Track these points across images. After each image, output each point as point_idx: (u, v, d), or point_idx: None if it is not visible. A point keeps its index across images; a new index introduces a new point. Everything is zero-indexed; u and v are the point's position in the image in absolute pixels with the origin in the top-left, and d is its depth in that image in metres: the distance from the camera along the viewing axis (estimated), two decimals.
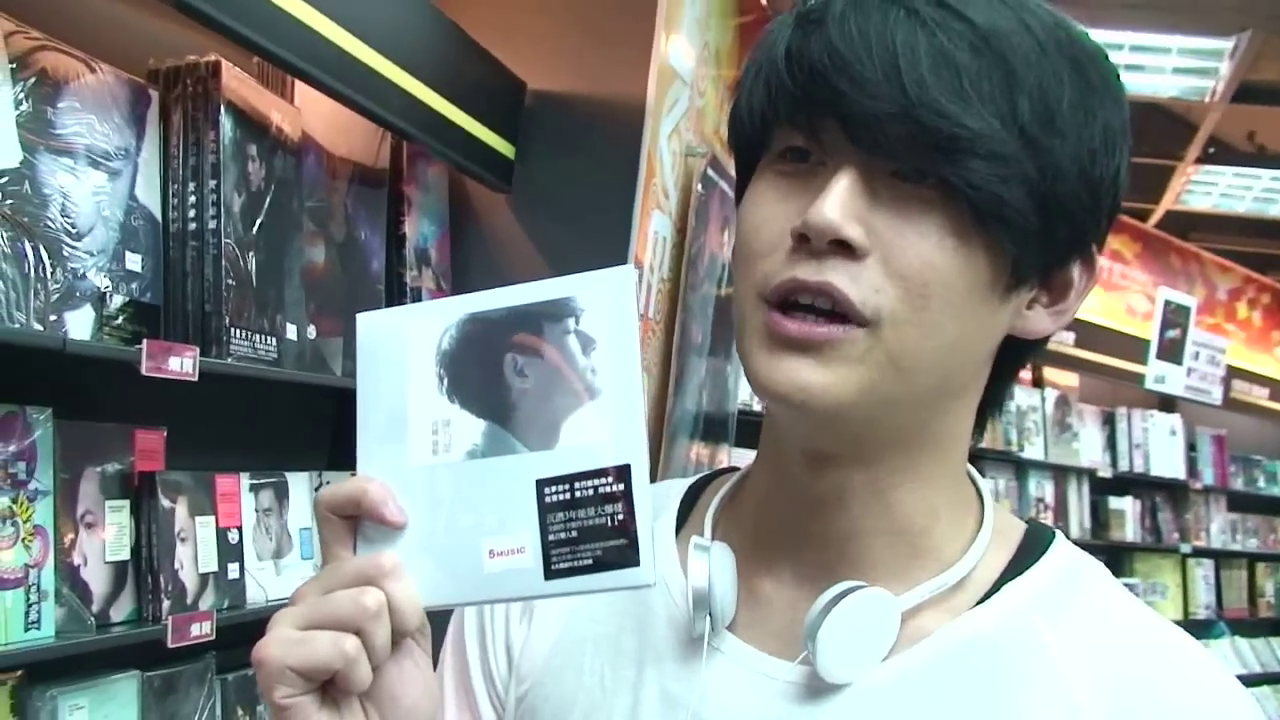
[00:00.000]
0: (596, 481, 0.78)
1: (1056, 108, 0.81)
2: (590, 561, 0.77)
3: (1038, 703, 0.83)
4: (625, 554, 0.77)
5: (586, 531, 0.77)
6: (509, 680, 0.97)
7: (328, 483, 2.42)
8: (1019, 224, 0.81)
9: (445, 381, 0.82)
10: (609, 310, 0.79)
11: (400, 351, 0.83)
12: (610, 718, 0.91)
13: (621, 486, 0.78)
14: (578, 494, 0.78)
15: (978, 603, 0.88)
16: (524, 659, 0.97)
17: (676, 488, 1.03)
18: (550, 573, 0.78)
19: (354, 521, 0.81)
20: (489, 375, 0.81)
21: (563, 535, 0.78)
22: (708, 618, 0.89)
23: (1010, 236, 0.81)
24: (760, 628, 0.91)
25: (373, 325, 0.85)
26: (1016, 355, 0.92)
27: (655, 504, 1.00)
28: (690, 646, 0.91)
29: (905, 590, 0.87)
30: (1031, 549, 0.91)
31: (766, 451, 0.95)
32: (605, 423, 0.78)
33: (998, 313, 0.85)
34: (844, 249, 0.80)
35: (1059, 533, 0.94)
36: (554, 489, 0.78)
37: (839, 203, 0.79)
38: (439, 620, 0.85)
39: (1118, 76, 0.86)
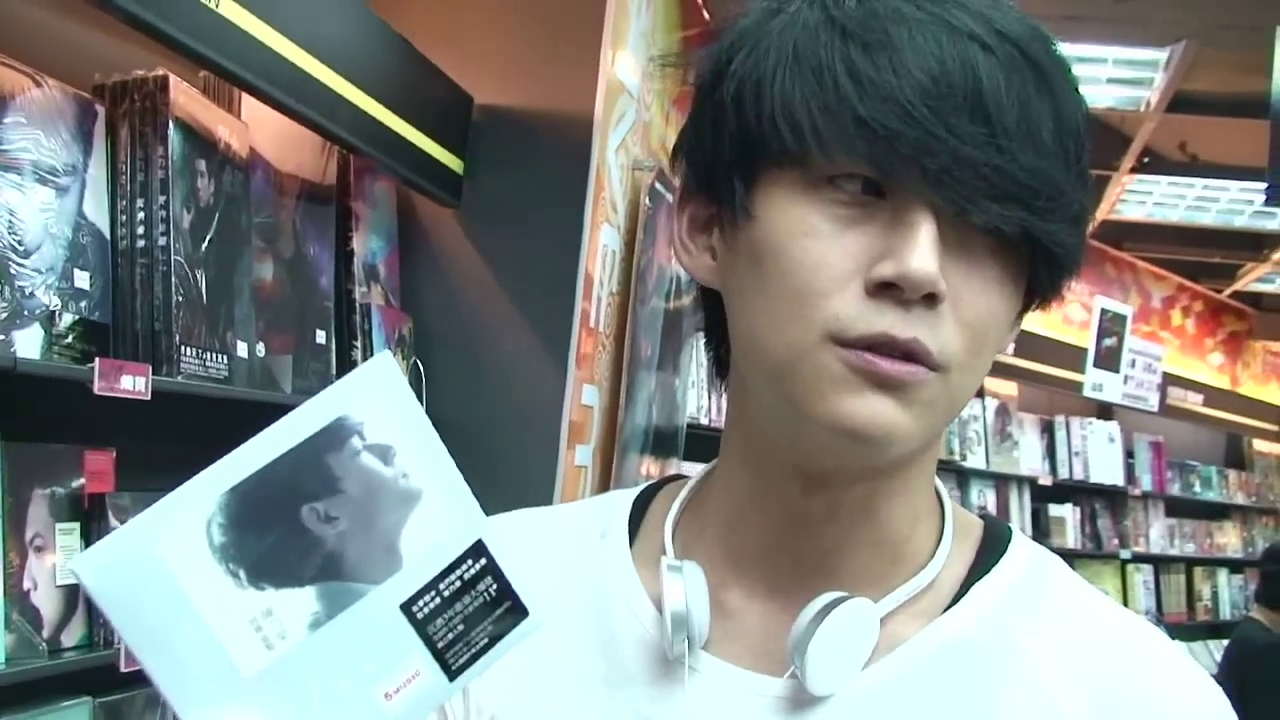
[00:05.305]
0: (459, 573, 0.74)
1: (1087, 146, 0.80)
2: (486, 640, 0.75)
3: (1020, 705, 0.83)
4: (514, 615, 0.75)
5: (470, 619, 0.74)
6: (467, 714, 0.93)
7: None
8: (1073, 271, 0.82)
9: (243, 575, 0.71)
10: (387, 407, 0.73)
11: (159, 574, 0.70)
12: None
13: (483, 561, 0.75)
14: (446, 594, 0.74)
15: (950, 605, 0.88)
16: (484, 691, 0.92)
17: (622, 500, 1.00)
18: (453, 673, 0.74)
19: None
20: (292, 540, 0.71)
21: (450, 636, 0.74)
22: (686, 639, 0.87)
23: (1066, 283, 0.83)
24: (733, 643, 0.89)
25: (104, 565, 0.69)
26: None
27: (601, 518, 0.99)
28: (664, 667, 0.88)
29: (880, 596, 0.86)
30: (993, 546, 0.91)
31: (745, 467, 0.91)
32: (439, 515, 0.74)
33: None
34: (929, 299, 0.77)
35: (1014, 527, 0.95)
36: (421, 603, 0.74)
37: (931, 255, 0.76)
38: None
39: None
